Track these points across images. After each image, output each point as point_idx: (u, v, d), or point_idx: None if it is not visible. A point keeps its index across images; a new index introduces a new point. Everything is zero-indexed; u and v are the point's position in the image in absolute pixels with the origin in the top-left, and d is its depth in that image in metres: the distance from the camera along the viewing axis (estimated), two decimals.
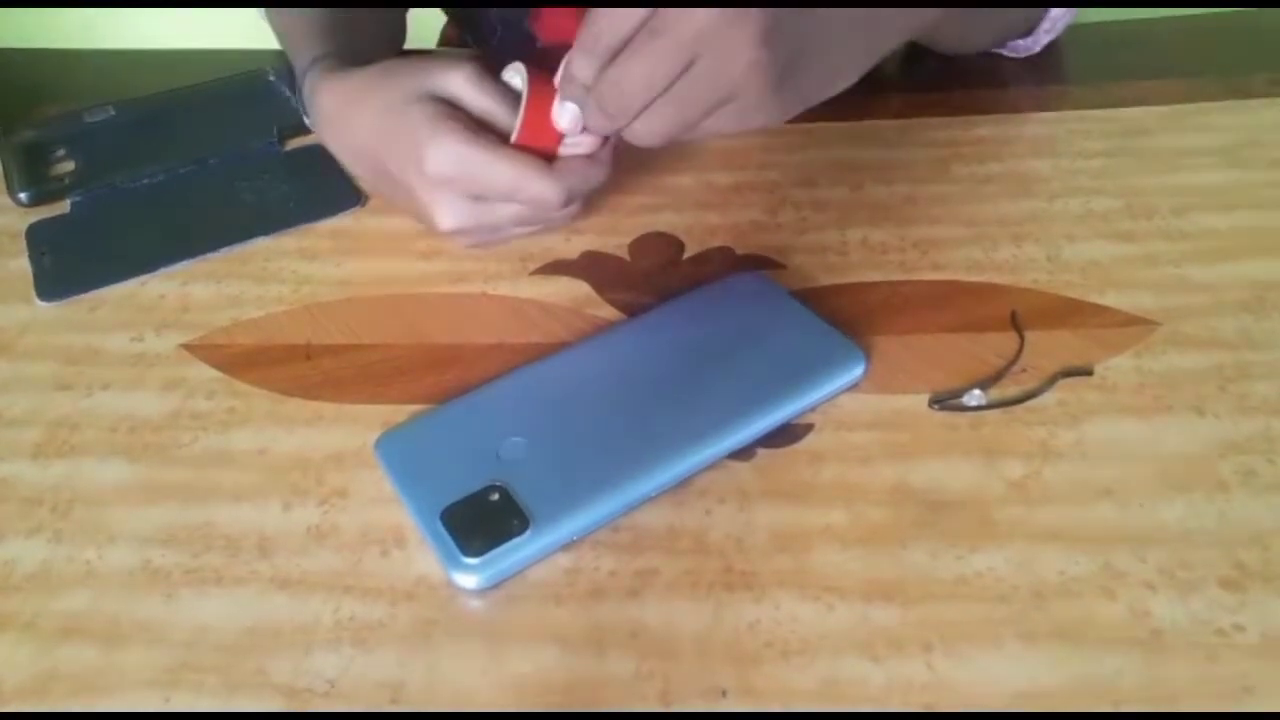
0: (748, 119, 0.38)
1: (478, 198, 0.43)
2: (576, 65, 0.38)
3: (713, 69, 0.36)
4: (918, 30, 0.43)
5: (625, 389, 0.40)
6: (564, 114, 0.41)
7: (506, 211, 0.43)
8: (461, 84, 0.42)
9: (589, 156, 0.43)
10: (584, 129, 0.41)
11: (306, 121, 0.53)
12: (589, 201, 0.48)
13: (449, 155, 0.41)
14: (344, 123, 0.46)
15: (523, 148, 0.42)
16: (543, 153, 0.42)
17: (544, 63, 0.41)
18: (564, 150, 0.42)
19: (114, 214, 0.55)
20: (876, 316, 0.44)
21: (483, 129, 0.42)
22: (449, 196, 0.43)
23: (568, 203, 0.43)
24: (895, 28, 0.41)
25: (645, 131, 0.38)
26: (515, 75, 0.43)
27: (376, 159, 0.44)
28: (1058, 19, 0.59)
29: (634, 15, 0.36)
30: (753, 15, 0.35)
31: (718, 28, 0.35)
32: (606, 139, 0.42)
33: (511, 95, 0.42)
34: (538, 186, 0.41)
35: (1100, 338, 0.42)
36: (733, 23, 0.35)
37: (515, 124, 0.42)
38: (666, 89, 0.36)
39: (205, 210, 0.55)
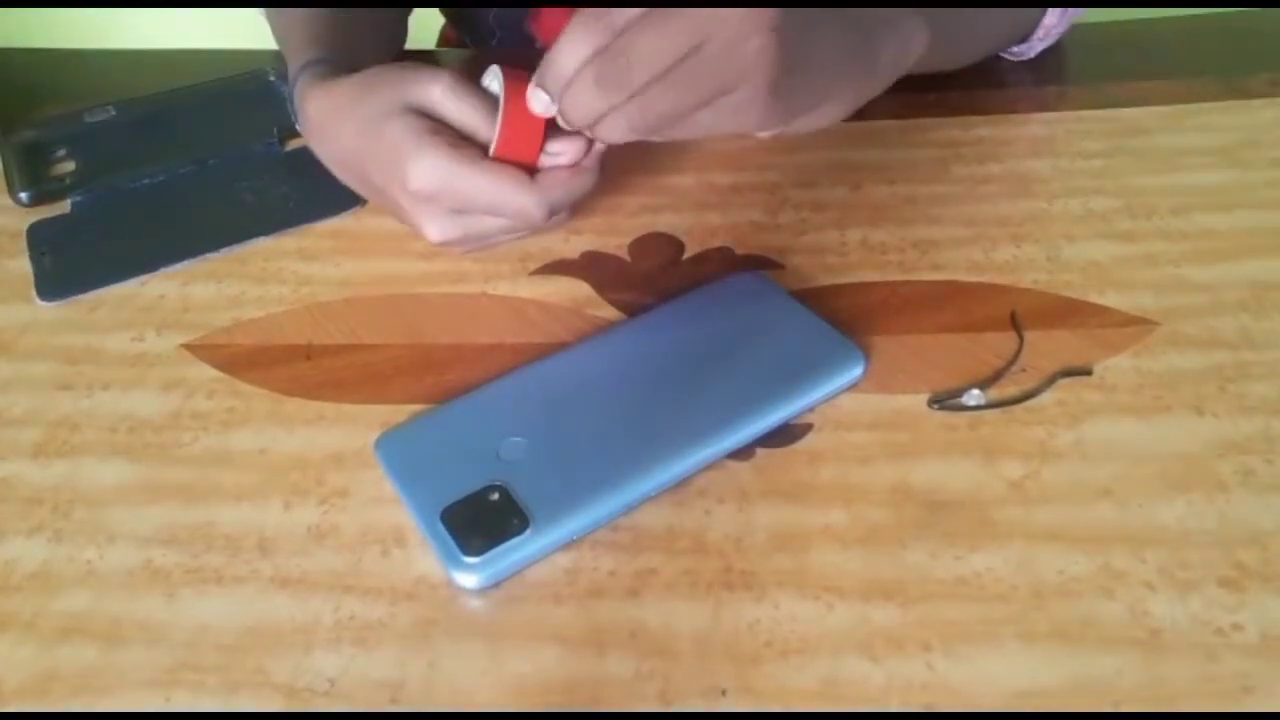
0: (741, 115, 0.38)
1: (462, 211, 0.43)
2: (566, 51, 0.37)
3: (722, 51, 0.36)
4: (905, 68, 0.44)
5: (625, 389, 0.40)
6: (536, 100, 0.40)
7: (492, 223, 0.43)
8: (440, 96, 0.42)
9: (573, 166, 0.42)
10: (566, 122, 0.40)
11: (297, 127, 0.53)
12: (578, 209, 0.47)
13: (430, 172, 0.40)
14: (328, 133, 0.46)
15: (504, 159, 0.41)
16: (524, 163, 0.41)
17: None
18: (546, 160, 0.42)
19: (114, 214, 0.55)
20: (876, 316, 0.44)
21: (463, 142, 0.41)
22: (434, 211, 0.43)
23: (552, 214, 0.42)
24: (883, 65, 0.42)
25: (636, 115, 0.37)
26: (494, 80, 0.42)
27: (361, 171, 0.44)
28: (1051, 27, 0.59)
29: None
30: (766, 11, 0.35)
31: (732, 12, 0.35)
32: (590, 146, 0.42)
33: (493, 103, 0.42)
34: (519, 201, 0.41)
35: (1099, 338, 0.42)
36: (747, 12, 0.35)
37: (494, 134, 0.41)
38: (670, 70, 0.36)
39: (205, 210, 0.55)
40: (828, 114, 0.41)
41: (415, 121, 0.41)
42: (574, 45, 0.37)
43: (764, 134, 0.40)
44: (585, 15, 0.37)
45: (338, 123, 0.45)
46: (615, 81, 0.36)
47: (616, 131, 0.38)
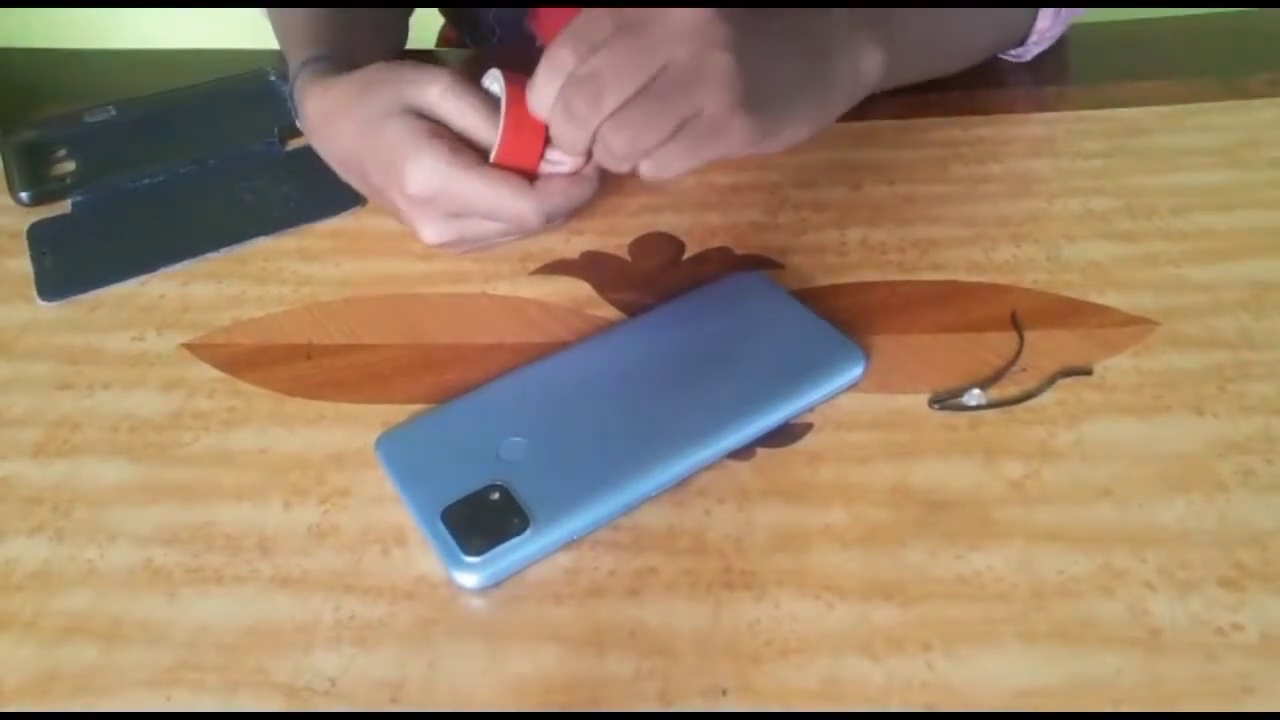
0: (719, 134, 0.38)
1: (458, 214, 0.43)
2: (542, 82, 0.38)
3: (686, 69, 0.37)
4: (867, 85, 0.45)
5: (625, 389, 0.40)
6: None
7: (489, 228, 0.44)
8: (439, 98, 0.42)
9: (573, 174, 0.42)
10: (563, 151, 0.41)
11: (298, 124, 0.52)
12: (575, 214, 0.47)
13: (427, 175, 0.41)
14: (328, 131, 0.46)
15: (504, 165, 0.41)
16: (524, 170, 0.41)
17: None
18: (546, 168, 0.42)
19: (115, 214, 0.55)
20: (876, 316, 0.44)
21: (461, 146, 0.41)
22: (430, 213, 0.43)
23: (549, 220, 0.42)
24: (840, 81, 0.44)
25: (614, 141, 0.38)
26: (494, 83, 0.42)
27: (360, 170, 0.45)
28: (1045, 31, 0.59)
29: (607, 17, 0.37)
30: (721, 24, 0.38)
31: (692, 27, 0.37)
32: (590, 155, 0.42)
33: (493, 104, 0.42)
34: (516, 207, 0.41)
35: (1099, 337, 0.42)
36: (706, 24, 0.37)
37: (495, 139, 0.41)
38: (638, 94, 0.37)
39: (205, 210, 0.55)
40: (795, 131, 0.42)
41: (414, 123, 0.41)
42: (548, 77, 0.38)
43: (745, 153, 0.41)
44: (556, 45, 0.38)
45: (338, 121, 0.45)
46: (585, 111, 0.37)
47: (607, 159, 0.39)
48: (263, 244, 0.52)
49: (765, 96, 0.39)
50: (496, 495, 0.36)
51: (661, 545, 0.36)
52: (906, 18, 0.49)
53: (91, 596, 0.35)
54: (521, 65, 0.41)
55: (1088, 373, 0.41)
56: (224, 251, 0.52)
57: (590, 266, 0.49)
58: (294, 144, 0.59)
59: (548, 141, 0.41)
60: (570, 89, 0.38)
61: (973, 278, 0.46)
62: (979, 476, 0.37)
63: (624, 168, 0.39)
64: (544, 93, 0.39)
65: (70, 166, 0.58)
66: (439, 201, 0.42)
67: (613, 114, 0.37)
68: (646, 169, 0.39)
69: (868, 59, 0.45)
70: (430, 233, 0.43)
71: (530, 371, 0.42)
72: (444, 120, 0.42)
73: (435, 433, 0.39)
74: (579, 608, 0.34)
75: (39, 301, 0.49)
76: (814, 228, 0.50)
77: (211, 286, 0.49)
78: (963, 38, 0.57)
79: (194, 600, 0.35)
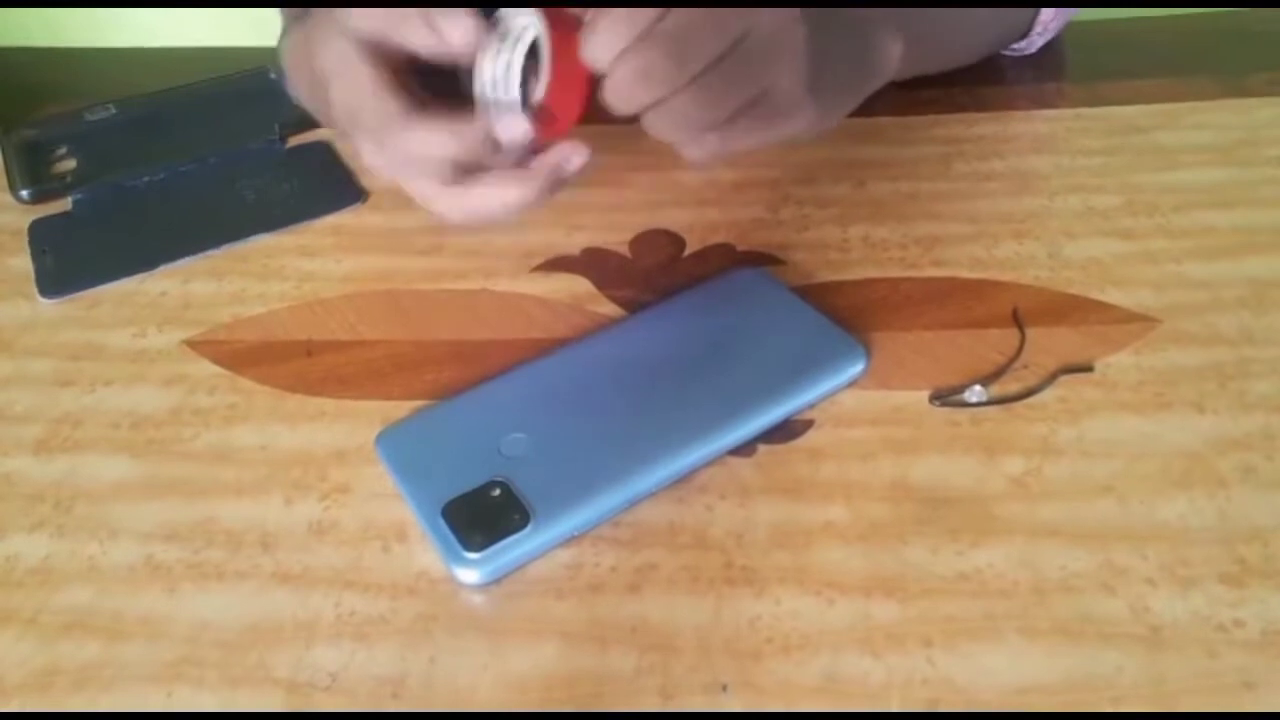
0: (785, 115, 0.37)
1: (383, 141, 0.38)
2: (606, 33, 0.33)
3: (767, 39, 0.35)
4: (886, 75, 0.45)
5: (626, 385, 0.40)
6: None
7: (405, 166, 0.38)
8: (379, 22, 0.36)
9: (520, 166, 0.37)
10: (610, 109, 0.35)
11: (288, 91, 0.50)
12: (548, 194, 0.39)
13: (345, 92, 0.37)
14: (294, 76, 0.44)
15: (552, 102, 0.35)
16: (576, 102, 0.35)
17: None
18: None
19: (115, 212, 0.55)
20: (877, 313, 0.44)
21: (384, 63, 0.36)
22: (363, 135, 0.38)
23: (430, 165, 0.37)
24: (871, 69, 0.44)
25: (690, 107, 0.34)
26: (518, 18, 0.36)
27: (313, 102, 0.43)
28: (1049, 22, 0.59)
29: None
30: (797, 11, 0.36)
31: (769, 10, 0.35)
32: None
33: (458, 25, 0.35)
34: (399, 139, 0.36)
35: (1101, 335, 0.42)
36: (782, 11, 0.36)
37: (543, 75, 0.35)
38: (721, 58, 0.34)
39: (206, 208, 0.55)
40: (835, 117, 0.41)
41: (347, 45, 0.37)
42: (619, 26, 0.33)
43: (802, 135, 0.39)
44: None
45: (300, 62, 0.42)
46: (668, 71, 0.33)
47: (667, 128, 0.35)
48: (263, 241, 0.52)
49: (824, 80, 0.38)
50: (497, 491, 0.36)
51: (662, 541, 0.36)
52: (921, 10, 0.49)
53: (92, 593, 0.35)
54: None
55: (1089, 369, 0.41)
56: (225, 248, 0.52)
57: (591, 263, 0.49)
58: (294, 141, 0.59)
59: (589, 97, 0.35)
60: (650, 44, 0.33)
61: (974, 274, 0.46)
62: (980, 473, 0.37)
63: (681, 138, 0.36)
64: (609, 42, 0.33)
65: (71, 165, 0.58)
66: (355, 120, 0.38)
67: (695, 78, 0.34)
68: (712, 143, 0.36)
69: (891, 47, 0.44)
70: (365, 155, 0.39)
71: (531, 368, 0.42)
72: (386, 42, 0.37)
73: (436, 429, 0.39)
74: (580, 604, 0.34)
75: (40, 299, 0.49)
76: (815, 224, 0.50)
77: (212, 283, 0.49)
78: (970, 34, 0.57)
79: (195, 596, 0.35)
